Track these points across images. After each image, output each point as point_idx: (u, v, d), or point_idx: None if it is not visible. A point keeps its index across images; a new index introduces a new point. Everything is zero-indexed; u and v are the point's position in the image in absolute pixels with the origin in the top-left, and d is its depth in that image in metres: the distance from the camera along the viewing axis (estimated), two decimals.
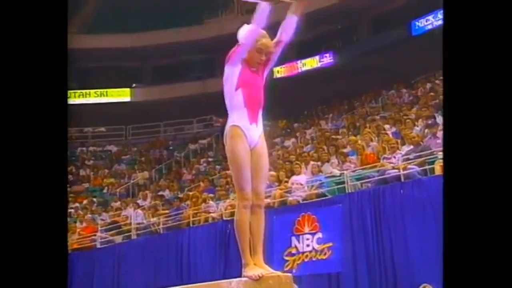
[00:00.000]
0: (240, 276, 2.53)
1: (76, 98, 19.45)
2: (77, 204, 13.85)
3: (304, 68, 18.40)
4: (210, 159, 15.70)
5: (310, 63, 18.39)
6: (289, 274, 2.60)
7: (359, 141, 9.81)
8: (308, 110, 17.32)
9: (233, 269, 8.32)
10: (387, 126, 10.73)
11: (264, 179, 2.76)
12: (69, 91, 20.91)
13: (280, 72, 18.79)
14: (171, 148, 18.00)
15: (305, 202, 8.43)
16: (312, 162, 9.48)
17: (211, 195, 10.83)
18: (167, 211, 10.84)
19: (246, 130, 2.68)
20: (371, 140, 9.70)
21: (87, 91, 19.54)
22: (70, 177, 16.49)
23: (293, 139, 14.54)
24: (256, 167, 2.65)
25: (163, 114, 18.68)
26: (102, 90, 19.61)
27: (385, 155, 8.45)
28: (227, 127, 2.74)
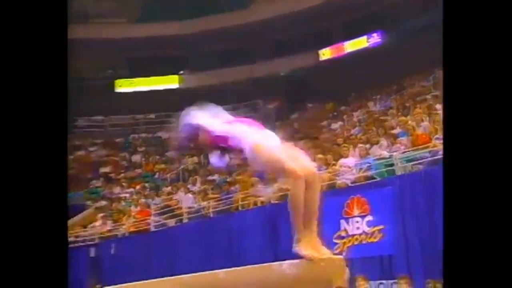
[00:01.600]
0: (289, 258, 2.54)
1: (127, 86, 20.01)
2: (131, 189, 14.34)
3: (351, 49, 18.04)
4: None
5: (358, 44, 18.00)
6: (342, 257, 2.58)
7: (410, 122, 9.57)
8: (356, 92, 17.02)
9: (284, 251, 8.38)
10: (438, 106, 10.40)
11: (297, 154, 2.67)
12: (120, 80, 21.62)
13: (326, 54, 18.51)
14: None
15: (354, 184, 8.34)
16: (360, 145, 9.35)
17: (260, 179, 10.91)
18: (217, 195, 10.99)
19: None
20: (422, 120, 9.44)
21: (137, 79, 20.04)
22: (124, 163, 17.07)
23: (340, 122, 14.37)
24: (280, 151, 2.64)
25: (211, 100, 18.82)
26: (151, 78, 20.05)
27: (437, 136, 8.21)
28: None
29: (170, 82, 20.09)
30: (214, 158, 2.83)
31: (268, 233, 8.86)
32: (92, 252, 11.59)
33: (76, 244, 12.27)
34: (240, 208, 10.00)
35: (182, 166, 15.38)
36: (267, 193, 9.96)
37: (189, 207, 11.19)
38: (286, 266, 2.46)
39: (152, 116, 19.93)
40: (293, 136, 15.46)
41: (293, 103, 18.25)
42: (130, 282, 3.32)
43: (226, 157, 2.83)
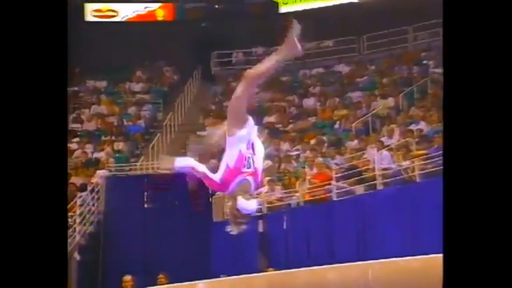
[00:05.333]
0: None
1: (288, 4, 20.27)
2: (303, 145, 14.66)
3: None
4: None
5: None
6: None
7: None
8: None
9: None
10: None
11: None
12: None
13: None
14: (424, 62, 17.57)
15: None
16: None
17: None
18: (424, 152, 10.90)
19: None
20: None
21: None
22: (293, 109, 17.52)
23: None
24: None
25: (410, 15, 18.19)
26: None
27: None
28: None
29: None
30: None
31: None
32: (260, 226, 12.22)
33: None
34: None
35: (372, 112, 15.23)
36: None
37: (385, 169, 11.22)
38: None
39: (329, 43, 19.96)
40: None
41: None
42: (307, 266, 3.36)
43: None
